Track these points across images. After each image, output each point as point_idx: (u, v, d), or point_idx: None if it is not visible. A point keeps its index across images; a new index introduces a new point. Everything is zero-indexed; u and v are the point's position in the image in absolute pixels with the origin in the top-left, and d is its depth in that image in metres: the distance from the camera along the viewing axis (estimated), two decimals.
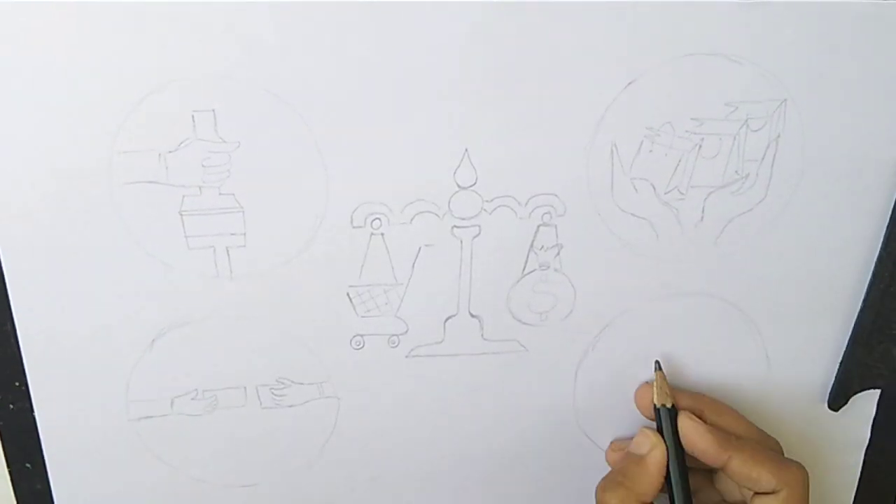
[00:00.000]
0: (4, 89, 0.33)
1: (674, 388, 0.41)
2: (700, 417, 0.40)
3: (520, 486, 0.45)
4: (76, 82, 0.33)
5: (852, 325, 0.42)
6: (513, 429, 0.43)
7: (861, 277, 0.41)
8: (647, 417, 0.42)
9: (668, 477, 0.40)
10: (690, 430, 0.40)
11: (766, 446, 0.41)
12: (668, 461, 0.39)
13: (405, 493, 0.45)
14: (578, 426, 0.44)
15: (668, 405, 0.41)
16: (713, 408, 0.42)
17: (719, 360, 0.43)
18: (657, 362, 0.42)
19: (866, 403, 0.45)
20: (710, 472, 0.43)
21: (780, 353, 0.43)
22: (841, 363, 0.43)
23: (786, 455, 0.42)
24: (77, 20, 0.32)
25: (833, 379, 0.44)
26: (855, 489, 0.48)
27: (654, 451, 0.39)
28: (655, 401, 0.41)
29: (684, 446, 0.40)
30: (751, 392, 0.44)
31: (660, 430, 0.40)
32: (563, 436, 0.44)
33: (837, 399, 0.44)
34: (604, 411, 0.44)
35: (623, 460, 0.41)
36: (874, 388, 0.44)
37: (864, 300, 0.41)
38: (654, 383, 0.41)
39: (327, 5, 0.33)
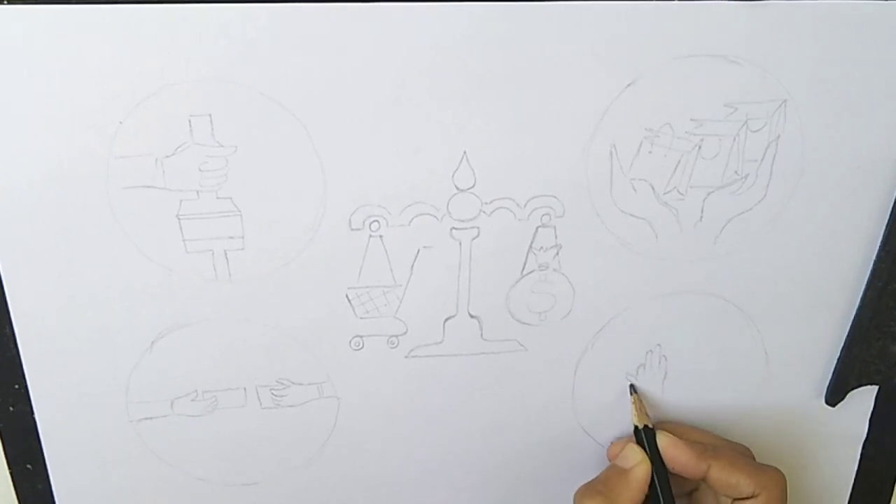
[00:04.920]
0: (2, 95, 0.33)
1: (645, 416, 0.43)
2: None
3: (520, 484, 0.46)
4: (73, 87, 0.33)
5: (850, 322, 0.42)
6: (512, 428, 0.44)
7: (859, 276, 0.41)
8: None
9: (654, 493, 0.41)
10: (669, 446, 0.41)
11: (739, 453, 0.42)
12: (652, 478, 0.40)
13: (405, 492, 0.45)
14: (578, 424, 0.44)
15: (649, 425, 0.42)
16: (681, 429, 0.43)
17: (718, 357, 0.43)
18: (632, 386, 0.43)
19: (864, 399, 0.45)
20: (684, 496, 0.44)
21: (779, 349, 0.43)
22: (838, 360, 0.43)
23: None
24: (73, 26, 0.31)
25: (831, 375, 0.44)
26: (852, 483, 0.48)
27: (638, 466, 0.40)
28: (635, 421, 0.42)
29: (665, 462, 0.41)
30: (749, 388, 0.44)
31: None
32: (562, 434, 0.44)
33: (835, 395, 0.44)
34: (603, 409, 0.44)
35: (607, 471, 0.42)
36: (871, 384, 0.44)
37: (862, 298, 0.42)
38: (632, 405, 0.43)
39: (324, 8, 0.32)
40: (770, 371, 0.44)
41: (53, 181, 0.34)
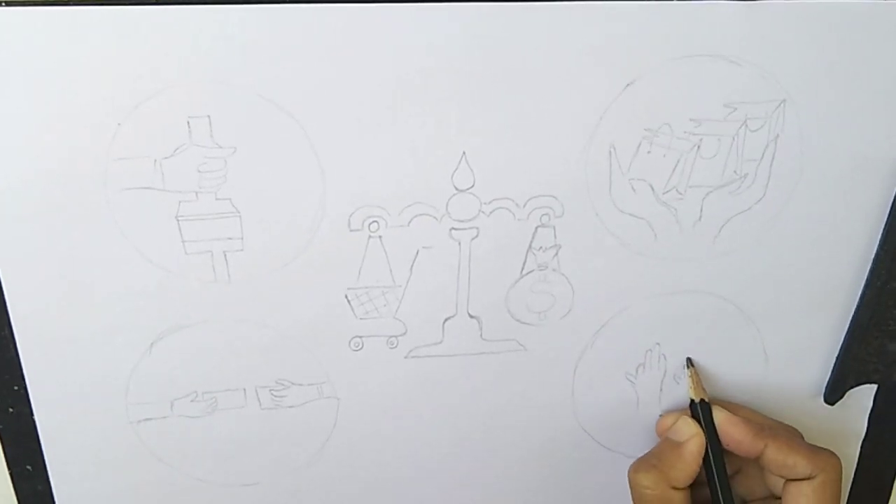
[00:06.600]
0: (0, 97, 0.32)
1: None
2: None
3: (520, 484, 0.46)
4: (71, 89, 0.33)
5: (849, 321, 0.42)
6: (512, 428, 0.44)
7: (858, 275, 0.41)
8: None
9: (707, 468, 0.40)
10: (726, 422, 0.40)
11: (793, 433, 0.42)
12: (706, 452, 0.40)
13: (405, 492, 0.45)
14: (578, 424, 0.44)
15: (705, 399, 0.41)
16: (734, 406, 0.42)
17: (717, 356, 0.43)
18: (688, 359, 0.42)
19: (862, 397, 0.46)
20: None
21: (778, 349, 0.43)
22: (837, 358, 0.44)
23: None
24: (71, 27, 0.31)
25: (830, 374, 0.44)
26: (851, 481, 0.48)
27: (692, 440, 0.40)
28: (692, 395, 0.41)
29: (720, 438, 0.40)
30: (749, 387, 0.44)
31: None
32: (562, 433, 0.44)
33: (834, 393, 0.44)
34: (603, 409, 0.44)
35: (660, 445, 0.41)
36: (870, 382, 0.44)
37: (861, 297, 0.42)
38: (689, 378, 0.42)
39: (322, 10, 0.32)
40: (769, 370, 0.44)
41: (52, 183, 0.34)
